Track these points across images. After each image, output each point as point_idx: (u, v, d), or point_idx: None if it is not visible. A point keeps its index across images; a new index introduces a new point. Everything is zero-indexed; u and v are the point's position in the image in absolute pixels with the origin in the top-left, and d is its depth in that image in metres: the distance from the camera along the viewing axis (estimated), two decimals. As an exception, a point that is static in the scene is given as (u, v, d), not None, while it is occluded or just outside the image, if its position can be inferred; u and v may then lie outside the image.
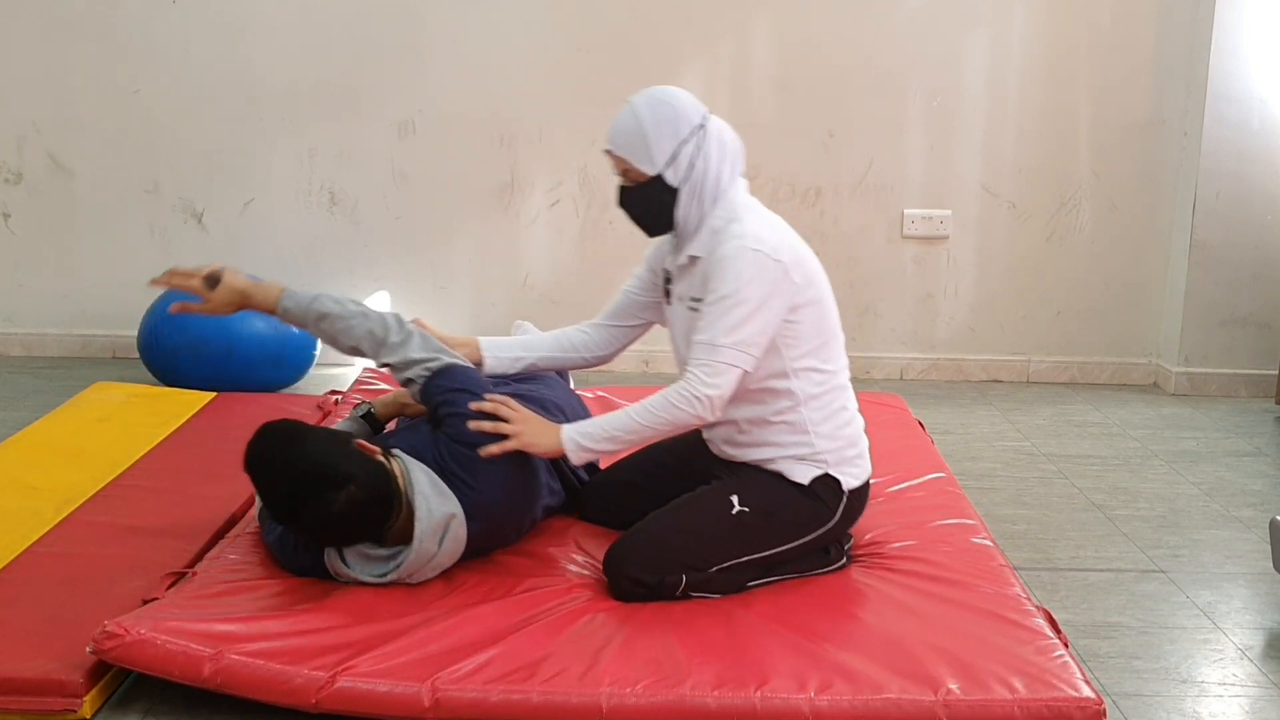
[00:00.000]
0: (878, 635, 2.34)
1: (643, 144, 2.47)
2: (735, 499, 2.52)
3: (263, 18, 4.60)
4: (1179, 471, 3.78)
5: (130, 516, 2.84)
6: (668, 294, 2.69)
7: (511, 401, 2.55)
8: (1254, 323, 4.70)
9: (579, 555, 2.66)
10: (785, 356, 2.50)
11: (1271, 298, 4.67)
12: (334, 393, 3.95)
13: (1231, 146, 4.55)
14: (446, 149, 4.70)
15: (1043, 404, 4.55)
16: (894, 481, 3.11)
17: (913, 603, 2.49)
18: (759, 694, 2.10)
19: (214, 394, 3.89)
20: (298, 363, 4.27)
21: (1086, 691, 2.12)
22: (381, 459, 2.42)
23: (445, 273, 4.80)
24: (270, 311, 2.62)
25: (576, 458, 2.49)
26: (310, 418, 3.66)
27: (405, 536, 2.41)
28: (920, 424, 3.69)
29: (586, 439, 2.48)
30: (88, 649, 2.15)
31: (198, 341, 4.04)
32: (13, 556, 2.59)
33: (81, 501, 2.91)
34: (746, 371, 2.45)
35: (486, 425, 2.47)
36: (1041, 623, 2.38)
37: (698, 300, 2.51)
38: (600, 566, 2.57)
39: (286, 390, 4.27)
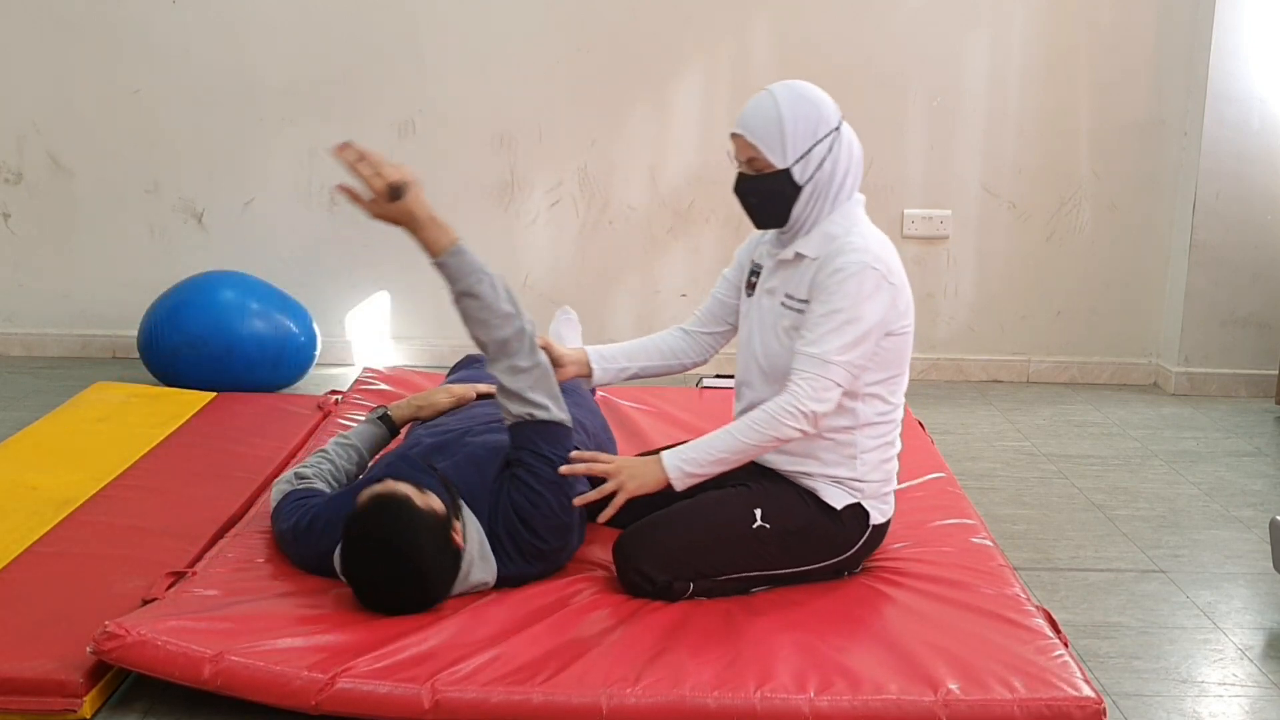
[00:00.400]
0: (877, 635, 2.35)
1: (779, 136, 2.44)
2: (758, 513, 2.50)
3: (263, 18, 4.60)
4: (1179, 471, 3.78)
5: (130, 516, 2.84)
6: (751, 286, 2.67)
7: (601, 455, 2.52)
8: (1254, 323, 4.70)
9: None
10: (860, 379, 2.48)
11: (1271, 298, 4.67)
12: (334, 393, 3.95)
13: (1231, 146, 4.55)
14: (446, 149, 4.70)
15: (1043, 404, 4.55)
16: (894, 481, 3.11)
17: (912, 602, 2.49)
18: (759, 694, 2.10)
19: (214, 394, 3.89)
20: (298, 363, 4.26)
21: (1086, 691, 2.12)
22: (457, 535, 2.37)
23: (445, 273, 4.79)
24: (426, 252, 2.48)
25: (681, 485, 2.46)
26: (310, 418, 3.67)
27: None
28: (920, 424, 3.69)
29: (692, 465, 2.44)
30: (88, 649, 2.14)
31: (198, 341, 4.04)
32: (13, 556, 2.59)
33: (81, 501, 2.91)
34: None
35: (592, 495, 2.46)
36: (1041, 623, 2.38)
37: (798, 300, 2.49)
38: (602, 566, 2.58)
39: (286, 390, 4.26)
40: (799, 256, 2.52)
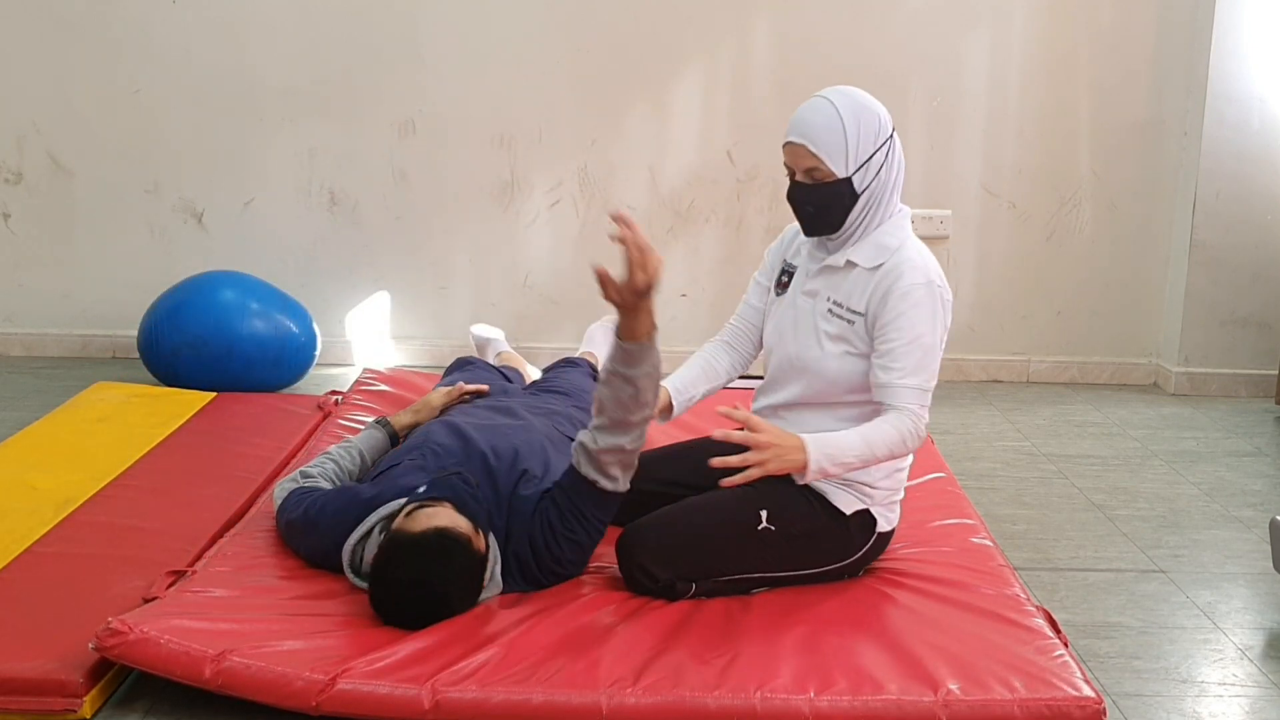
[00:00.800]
0: (877, 635, 2.34)
1: (842, 145, 2.43)
2: (764, 514, 2.49)
3: (263, 18, 4.59)
4: (1179, 471, 3.78)
5: (130, 516, 2.84)
6: (782, 286, 2.65)
7: (758, 423, 2.38)
8: (1254, 323, 4.70)
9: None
10: None
11: (1271, 298, 4.67)
12: (334, 393, 3.95)
13: (1231, 146, 4.55)
14: (446, 149, 4.70)
15: (1043, 404, 4.55)
16: (894, 481, 3.10)
17: (912, 602, 2.49)
18: (759, 694, 2.10)
19: (214, 394, 3.89)
20: (298, 363, 4.26)
21: (1086, 691, 2.12)
22: (486, 557, 2.38)
23: (445, 273, 4.80)
24: (621, 330, 2.33)
25: (813, 478, 2.41)
26: (310, 418, 3.67)
27: None
28: (920, 424, 3.69)
29: (830, 464, 2.37)
30: (90, 645, 2.15)
31: (198, 341, 4.04)
32: (13, 556, 2.59)
33: (81, 501, 2.91)
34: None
35: (733, 461, 2.34)
36: (1041, 623, 2.38)
37: (849, 310, 2.48)
38: (602, 566, 2.57)
39: (286, 390, 4.26)
40: (850, 264, 2.51)
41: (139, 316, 4.23)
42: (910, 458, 2.61)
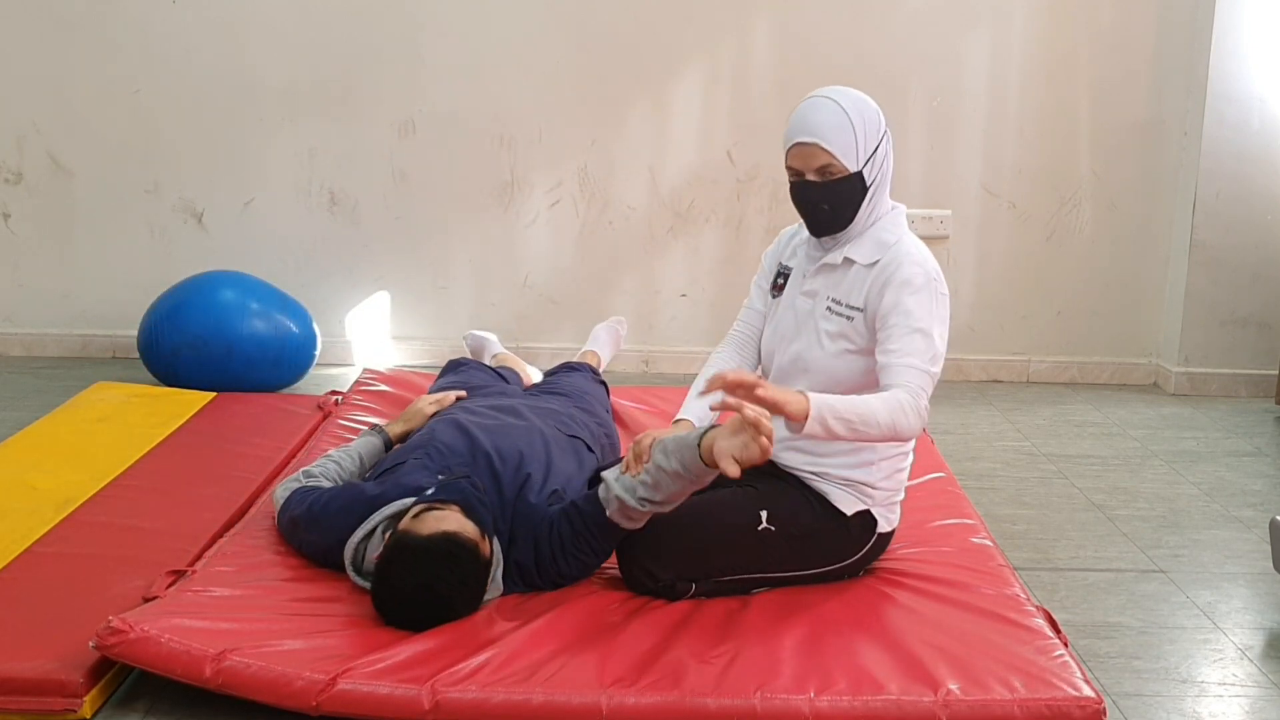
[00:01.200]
0: (877, 635, 2.34)
1: (852, 139, 2.44)
2: (764, 515, 2.50)
3: (263, 17, 4.60)
4: (1179, 471, 3.78)
5: (130, 516, 2.84)
6: (778, 288, 2.65)
7: (747, 375, 2.28)
8: (1254, 323, 4.70)
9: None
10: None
11: (1271, 298, 4.67)
12: (334, 393, 3.95)
13: (1231, 146, 4.55)
14: (446, 149, 4.70)
15: (1043, 404, 4.55)
16: (894, 481, 3.10)
17: (912, 602, 2.49)
18: (759, 694, 2.10)
19: (214, 394, 3.89)
20: (298, 363, 4.26)
21: (1086, 691, 2.12)
22: (490, 562, 2.39)
23: (445, 273, 4.80)
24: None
25: (809, 429, 2.23)
26: (310, 418, 3.67)
27: None
28: (920, 424, 3.69)
29: (832, 414, 2.22)
30: (90, 644, 2.15)
31: (198, 341, 4.04)
32: (13, 556, 2.59)
33: (81, 501, 2.91)
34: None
35: (741, 392, 2.20)
36: (1041, 623, 2.38)
37: (848, 306, 2.48)
38: (602, 566, 2.57)
39: (286, 390, 4.26)
40: (848, 261, 2.51)
41: (139, 316, 4.23)
42: (910, 457, 2.61)
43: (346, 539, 2.45)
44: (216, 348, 4.04)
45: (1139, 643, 2.58)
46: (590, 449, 2.91)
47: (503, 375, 3.56)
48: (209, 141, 4.68)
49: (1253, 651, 2.56)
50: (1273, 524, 2.73)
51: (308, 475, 2.75)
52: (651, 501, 2.35)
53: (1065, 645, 2.30)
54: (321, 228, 4.75)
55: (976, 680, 2.15)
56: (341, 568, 2.47)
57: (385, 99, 4.66)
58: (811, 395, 2.24)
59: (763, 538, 2.49)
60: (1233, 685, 2.42)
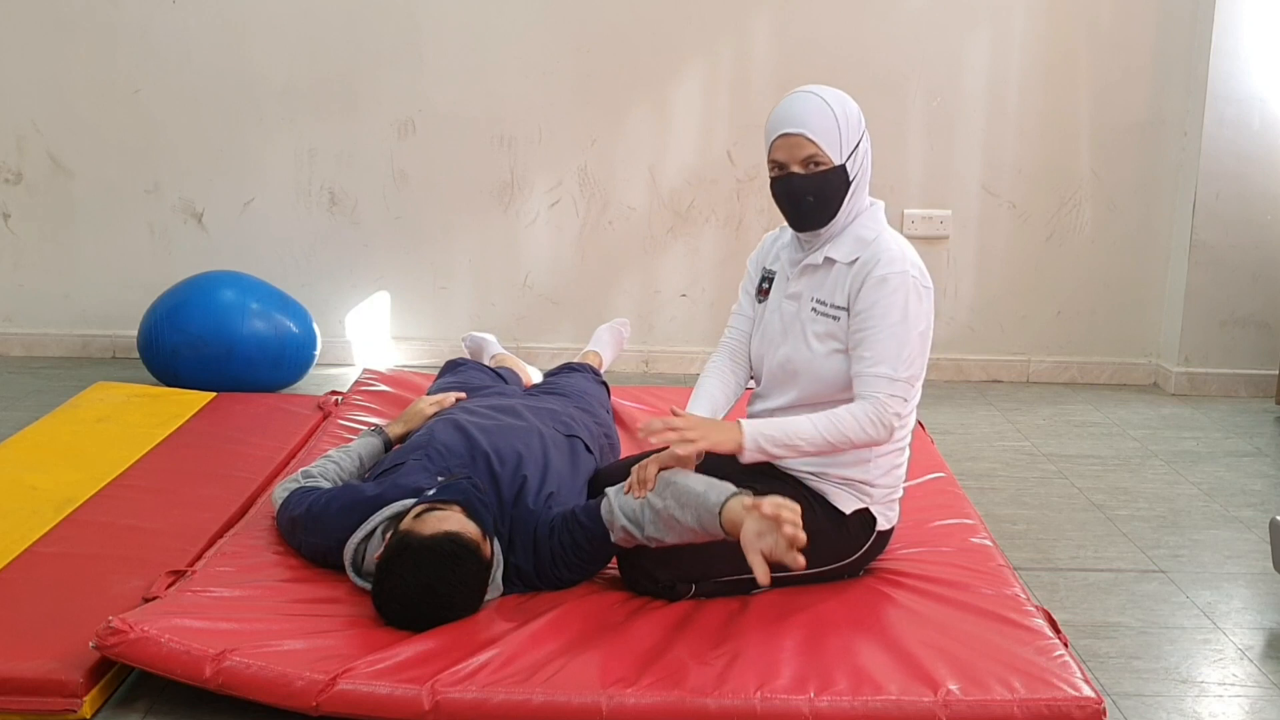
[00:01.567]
0: (877, 635, 2.34)
1: (836, 131, 2.45)
2: None
3: (263, 17, 4.60)
4: (1179, 471, 3.78)
5: (130, 516, 2.84)
6: (763, 293, 2.67)
7: (676, 421, 2.38)
8: (1254, 323, 4.70)
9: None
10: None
11: (1271, 298, 4.67)
12: (334, 393, 3.95)
13: (1231, 146, 4.55)
14: (446, 149, 4.70)
15: (1043, 404, 4.55)
16: (894, 481, 3.10)
17: (912, 603, 2.49)
18: (759, 694, 2.10)
19: (214, 394, 3.89)
20: (298, 363, 4.26)
21: (1086, 691, 2.12)
22: (491, 562, 2.39)
23: (445, 273, 4.80)
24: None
25: (750, 457, 2.39)
26: (310, 418, 3.67)
27: None
28: (920, 424, 3.69)
29: (768, 442, 2.38)
30: (90, 644, 2.15)
31: (198, 341, 4.04)
32: (13, 556, 2.59)
33: (81, 501, 2.91)
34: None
35: (671, 435, 2.35)
36: (1041, 623, 2.38)
37: (832, 306, 2.49)
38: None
39: (286, 390, 4.26)
40: (829, 261, 2.52)
41: (139, 316, 4.23)
42: (907, 453, 2.62)
43: (346, 540, 2.45)
44: (216, 348, 4.04)
45: (1139, 643, 2.58)
46: (589, 449, 2.91)
47: (502, 376, 3.56)
48: (209, 141, 4.68)
49: (1253, 651, 2.56)
50: (1273, 524, 2.73)
51: (307, 476, 2.75)
52: (659, 540, 2.37)
53: (1065, 645, 2.30)
54: (321, 228, 4.75)
55: (976, 680, 2.15)
56: (341, 568, 2.47)
57: (385, 99, 4.66)
58: (744, 425, 2.36)
59: None
60: (1233, 685, 2.42)
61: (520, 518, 2.51)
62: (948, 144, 4.72)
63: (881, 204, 2.58)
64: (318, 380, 4.42)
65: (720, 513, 2.23)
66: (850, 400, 2.48)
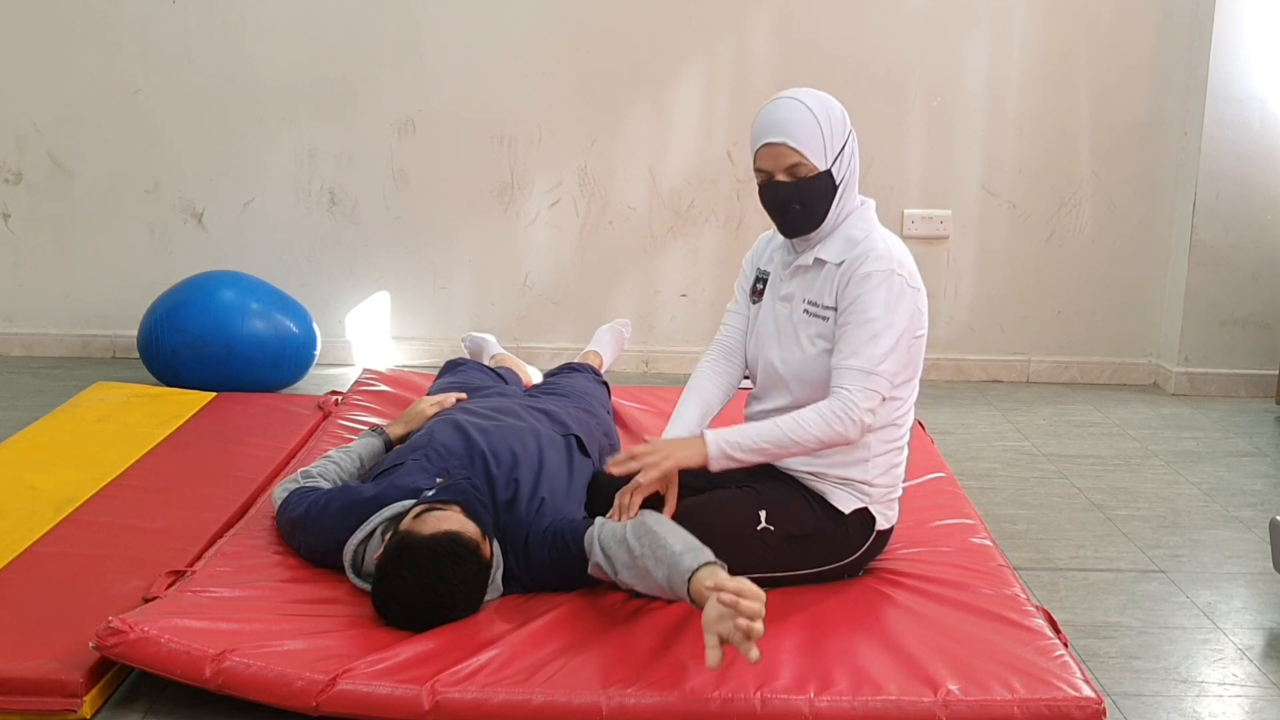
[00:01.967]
0: (877, 635, 2.34)
1: (819, 138, 2.44)
2: (763, 515, 2.50)
3: (263, 17, 4.60)
4: (1179, 471, 3.78)
5: (130, 516, 2.84)
6: (758, 293, 2.67)
7: (637, 450, 2.44)
8: (1254, 323, 4.70)
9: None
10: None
11: (1271, 298, 4.67)
12: (334, 393, 3.95)
13: (1231, 146, 4.55)
14: (446, 149, 4.70)
15: (1043, 404, 4.55)
16: (894, 481, 3.10)
17: (912, 603, 2.49)
18: (759, 694, 2.10)
19: (214, 394, 3.89)
20: (298, 363, 4.27)
21: (1086, 691, 2.12)
22: (491, 563, 2.40)
23: (445, 273, 4.80)
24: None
25: (718, 465, 2.42)
26: (310, 418, 3.67)
27: None
28: (920, 424, 3.69)
29: (734, 449, 2.41)
30: (90, 644, 2.15)
31: (198, 341, 4.04)
32: (13, 556, 2.59)
33: (81, 501, 2.91)
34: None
35: (633, 465, 2.41)
36: (1041, 623, 2.38)
37: (823, 307, 2.49)
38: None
39: (286, 390, 4.26)
40: (819, 262, 2.52)
41: (139, 316, 4.23)
42: (905, 452, 2.62)
43: (345, 540, 2.45)
44: (216, 348, 4.04)
45: (1139, 643, 2.58)
46: (587, 450, 2.91)
47: (502, 376, 3.56)
48: (209, 141, 4.68)
49: (1253, 651, 2.56)
50: (1273, 524, 2.73)
51: (306, 476, 2.75)
52: (630, 586, 2.37)
53: (1065, 645, 2.30)
54: (321, 228, 4.75)
55: (976, 680, 2.15)
56: (340, 569, 2.47)
57: (385, 99, 4.66)
58: (707, 436, 2.40)
59: (762, 538, 2.49)
60: (1233, 685, 2.42)
61: (511, 523, 2.51)
62: (948, 144, 4.72)
63: (873, 203, 2.58)
64: (318, 380, 4.42)
65: (689, 580, 2.18)
66: None
